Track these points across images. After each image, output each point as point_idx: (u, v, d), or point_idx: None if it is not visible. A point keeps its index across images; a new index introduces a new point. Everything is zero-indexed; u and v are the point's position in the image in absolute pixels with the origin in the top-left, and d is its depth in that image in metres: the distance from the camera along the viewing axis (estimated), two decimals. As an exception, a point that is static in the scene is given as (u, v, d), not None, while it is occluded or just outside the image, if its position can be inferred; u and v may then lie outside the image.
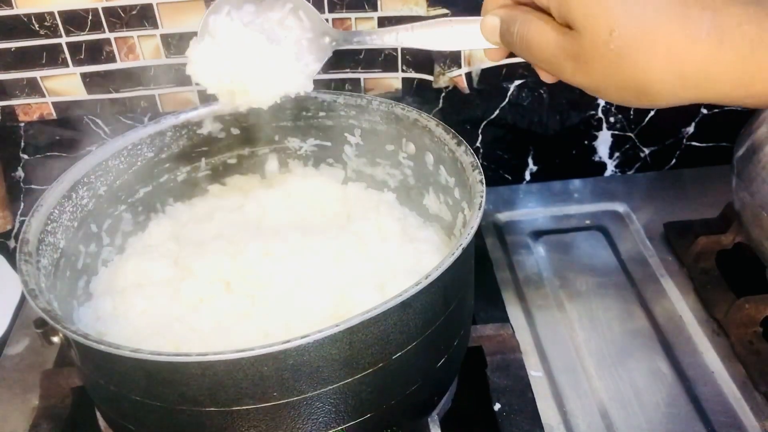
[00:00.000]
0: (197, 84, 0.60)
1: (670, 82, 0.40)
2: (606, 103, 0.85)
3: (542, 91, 0.83)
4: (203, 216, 0.69)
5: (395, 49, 0.79)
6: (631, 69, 0.41)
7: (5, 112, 0.79)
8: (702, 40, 0.39)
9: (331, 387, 0.47)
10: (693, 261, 0.76)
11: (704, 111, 0.88)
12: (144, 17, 0.75)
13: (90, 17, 0.74)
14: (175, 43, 0.77)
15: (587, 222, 0.85)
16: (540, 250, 0.82)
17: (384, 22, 0.77)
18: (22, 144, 0.81)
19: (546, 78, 0.48)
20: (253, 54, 0.57)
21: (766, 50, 0.38)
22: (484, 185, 0.55)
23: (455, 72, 0.81)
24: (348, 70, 0.81)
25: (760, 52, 0.38)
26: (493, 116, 0.86)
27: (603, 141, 0.89)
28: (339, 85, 0.82)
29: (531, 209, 0.88)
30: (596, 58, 0.41)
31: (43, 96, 0.78)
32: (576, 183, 0.91)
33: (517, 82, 0.83)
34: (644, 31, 0.40)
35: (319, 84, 0.81)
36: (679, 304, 0.73)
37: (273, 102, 0.59)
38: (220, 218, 0.68)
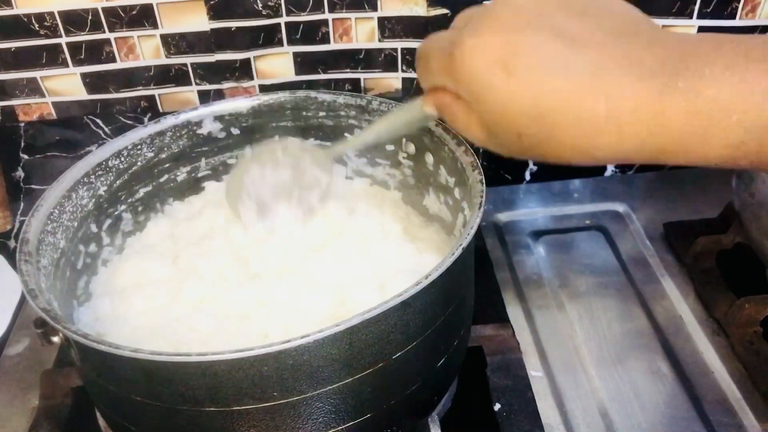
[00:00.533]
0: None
1: (579, 158, 0.41)
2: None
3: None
4: (201, 215, 0.69)
5: (395, 49, 0.79)
6: (542, 152, 0.42)
7: (5, 112, 0.79)
8: (593, 106, 0.39)
9: (331, 387, 0.47)
10: (693, 261, 0.76)
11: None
12: (144, 17, 0.75)
13: (90, 17, 0.74)
14: (175, 43, 0.77)
15: (587, 222, 0.85)
16: (540, 250, 0.82)
17: (384, 22, 0.77)
18: (22, 144, 0.81)
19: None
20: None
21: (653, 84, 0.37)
22: (485, 185, 0.55)
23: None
24: (348, 70, 0.81)
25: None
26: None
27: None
28: (339, 85, 0.82)
29: (531, 209, 0.88)
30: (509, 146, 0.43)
31: (43, 96, 0.78)
32: (576, 183, 0.91)
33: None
34: (548, 126, 0.40)
35: (319, 84, 0.82)
36: (679, 304, 0.73)
37: None
38: (220, 218, 0.68)
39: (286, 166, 0.62)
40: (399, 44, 0.79)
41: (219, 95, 0.81)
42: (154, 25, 0.75)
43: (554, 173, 0.91)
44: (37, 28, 0.74)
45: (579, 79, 0.38)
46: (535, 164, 0.90)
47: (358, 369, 0.48)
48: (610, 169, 0.92)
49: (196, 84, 0.80)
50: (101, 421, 0.60)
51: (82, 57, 0.76)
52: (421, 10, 0.76)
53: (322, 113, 0.70)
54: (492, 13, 0.42)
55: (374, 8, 0.77)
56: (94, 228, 0.64)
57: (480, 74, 0.41)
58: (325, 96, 0.69)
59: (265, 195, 0.62)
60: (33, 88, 0.78)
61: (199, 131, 0.69)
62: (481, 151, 0.88)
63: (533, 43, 0.40)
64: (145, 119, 0.80)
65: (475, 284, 0.60)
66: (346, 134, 0.70)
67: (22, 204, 0.84)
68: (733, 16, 0.79)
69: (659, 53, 0.38)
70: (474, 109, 0.43)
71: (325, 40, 0.79)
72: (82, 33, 0.75)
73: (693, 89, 0.36)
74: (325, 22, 0.78)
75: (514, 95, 0.40)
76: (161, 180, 0.70)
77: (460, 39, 0.42)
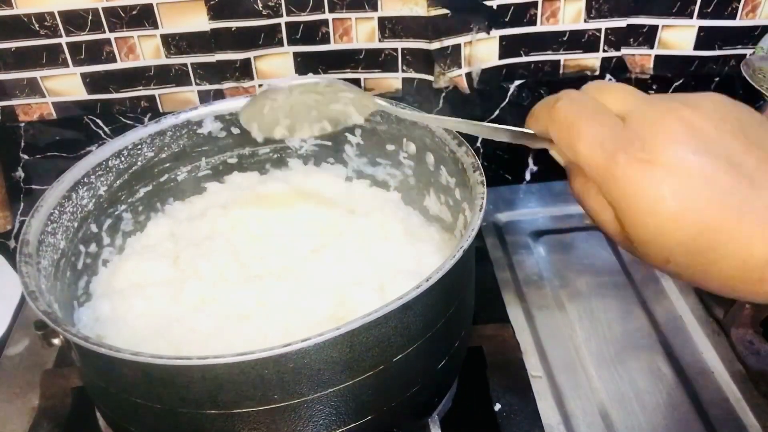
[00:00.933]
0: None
1: (731, 296, 0.38)
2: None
3: (542, 91, 0.83)
4: (202, 215, 0.69)
5: (395, 49, 0.79)
6: (688, 279, 0.39)
7: (5, 112, 0.79)
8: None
9: (332, 390, 0.47)
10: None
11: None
12: (144, 17, 0.75)
13: (90, 17, 0.74)
14: (175, 43, 0.77)
15: (587, 222, 0.84)
16: (540, 250, 0.82)
17: (384, 22, 0.77)
18: (22, 144, 0.81)
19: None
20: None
21: None
22: (485, 186, 0.55)
23: (455, 72, 0.81)
24: (348, 70, 0.81)
25: None
26: (493, 116, 0.86)
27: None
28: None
29: (531, 209, 0.88)
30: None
31: (44, 96, 0.78)
32: (576, 183, 0.90)
33: (518, 82, 0.83)
34: (705, 263, 0.36)
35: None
36: (679, 303, 0.73)
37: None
38: (219, 218, 0.68)
39: (317, 93, 0.58)
40: (399, 44, 0.79)
41: (219, 95, 0.81)
42: (155, 25, 0.75)
43: (554, 173, 0.90)
44: (38, 28, 0.74)
45: (753, 221, 0.35)
46: (535, 164, 0.90)
47: (358, 371, 0.48)
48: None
49: (197, 84, 0.80)
50: (101, 422, 0.60)
51: (83, 57, 0.76)
52: (421, 10, 0.76)
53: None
54: (668, 125, 0.37)
55: (374, 8, 0.77)
56: (94, 228, 0.64)
57: (641, 194, 0.37)
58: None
59: (281, 111, 0.59)
60: (33, 88, 0.78)
61: (199, 131, 0.69)
62: (481, 151, 0.88)
63: (710, 173, 0.36)
64: (145, 119, 0.80)
65: (475, 285, 0.60)
66: (346, 134, 0.70)
67: (22, 204, 0.84)
68: (733, 16, 0.79)
69: None
70: (618, 217, 0.39)
71: (326, 40, 0.79)
72: (83, 33, 0.75)
73: None
74: (325, 22, 0.77)
75: (676, 224, 0.36)
76: (161, 180, 0.70)
77: (628, 147, 0.37)
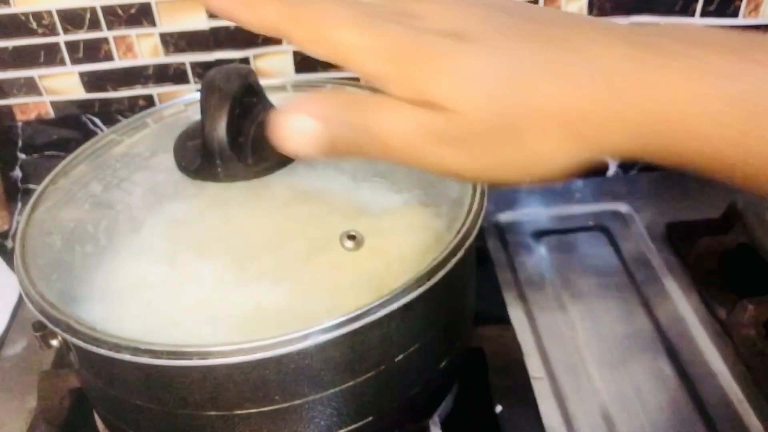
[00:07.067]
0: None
1: (565, 150, 0.32)
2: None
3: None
4: (200, 216, 0.69)
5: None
6: (518, 145, 0.32)
7: (2, 111, 0.79)
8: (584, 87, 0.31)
9: (333, 390, 0.47)
10: (696, 261, 0.75)
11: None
12: (142, 16, 0.74)
13: (88, 16, 0.74)
14: (174, 41, 0.76)
15: (589, 222, 0.85)
16: (542, 250, 0.81)
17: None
18: (20, 143, 0.81)
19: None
20: None
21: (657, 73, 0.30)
22: (486, 185, 0.55)
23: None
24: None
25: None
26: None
27: (604, 140, 0.89)
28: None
29: (532, 209, 0.87)
30: (475, 138, 0.32)
31: (41, 95, 0.78)
32: (578, 183, 0.90)
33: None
34: (527, 104, 0.31)
35: (318, 84, 0.81)
36: (682, 304, 0.73)
37: None
38: (218, 218, 0.68)
39: None
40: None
41: (218, 94, 0.80)
42: (153, 24, 0.75)
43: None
44: (35, 27, 0.73)
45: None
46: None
47: (360, 372, 0.47)
48: (612, 169, 0.92)
49: (195, 83, 0.80)
50: (99, 424, 0.60)
51: (80, 55, 0.76)
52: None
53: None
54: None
55: (375, 7, 0.76)
56: (90, 228, 0.64)
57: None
58: (325, 95, 0.69)
59: None
60: (30, 86, 0.77)
61: (198, 131, 0.69)
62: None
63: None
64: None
65: (476, 285, 0.60)
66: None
67: (19, 204, 0.84)
68: (735, 15, 0.79)
69: None
70: (430, 116, 0.33)
71: (325, 38, 0.78)
72: (80, 31, 0.75)
73: None
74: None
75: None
76: (159, 179, 0.69)
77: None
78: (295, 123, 0.33)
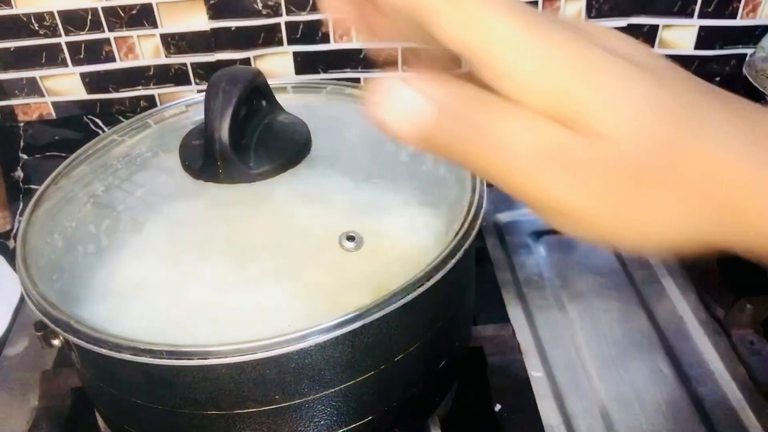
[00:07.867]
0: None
1: (692, 221, 0.29)
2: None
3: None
4: (202, 217, 0.69)
5: (395, 49, 0.79)
6: (646, 194, 0.27)
7: (4, 111, 0.79)
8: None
9: (333, 390, 0.47)
10: (694, 261, 0.76)
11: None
12: (144, 17, 0.75)
13: (89, 17, 0.74)
14: (175, 42, 0.76)
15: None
16: (541, 250, 0.81)
17: (384, 21, 0.77)
18: (22, 144, 0.81)
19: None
20: None
21: None
22: (485, 185, 0.55)
23: (456, 72, 0.81)
24: (348, 70, 0.81)
25: None
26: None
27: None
28: (339, 85, 0.82)
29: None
30: (608, 171, 0.27)
31: (43, 96, 0.78)
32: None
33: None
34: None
35: (318, 85, 0.81)
36: (680, 304, 0.73)
37: None
38: (220, 219, 0.68)
39: None
40: (399, 44, 0.79)
41: (219, 95, 0.81)
42: (154, 25, 0.75)
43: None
44: (37, 28, 0.74)
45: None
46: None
47: (360, 371, 0.48)
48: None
49: (196, 84, 0.80)
50: (101, 423, 0.60)
51: (82, 56, 0.76)
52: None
53: (322, 113, 0.70)
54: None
55: (375, 8, 0.76)
56: (92, 228, 0.64)
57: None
58: (325, 95, 0.69)
59: None
60: (32, 87, 0.78)
61: (198, 131, 0.69)
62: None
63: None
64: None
65: (475, 285, 0.60)
66: (346, 134, 0.70)
67: (21, 204, 0.84)
68: (734, 16, 0.79)
69: None
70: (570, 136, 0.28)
71: (326, 39, 0.79)
72: (82, 32, 0.75)
73: None
74: (325, 22, 0.77)
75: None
76: (160, 180, 0.69)
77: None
78: (405, 97, 0.28)
